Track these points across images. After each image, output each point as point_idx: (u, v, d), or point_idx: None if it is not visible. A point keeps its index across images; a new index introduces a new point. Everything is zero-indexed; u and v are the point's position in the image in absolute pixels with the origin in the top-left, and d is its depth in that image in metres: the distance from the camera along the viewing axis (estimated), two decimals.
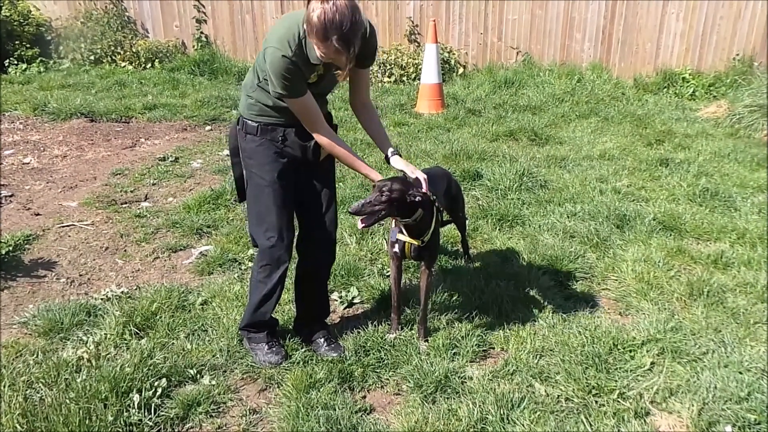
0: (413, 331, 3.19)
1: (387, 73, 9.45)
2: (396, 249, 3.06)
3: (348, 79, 2.78)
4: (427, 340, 3.12)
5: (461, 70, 9.62)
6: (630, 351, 3.03)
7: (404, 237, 2.99)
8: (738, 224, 4.46)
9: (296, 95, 2.58)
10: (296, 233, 3.04)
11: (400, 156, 2.94)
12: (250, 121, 2.79)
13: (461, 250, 4.06)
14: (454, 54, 9.56)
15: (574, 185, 5.25)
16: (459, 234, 3.99)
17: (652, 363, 2.95)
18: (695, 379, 2.83)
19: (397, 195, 2.73)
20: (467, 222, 4.50)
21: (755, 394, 2.66)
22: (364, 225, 2.75)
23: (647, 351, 3.02)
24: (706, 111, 7.74)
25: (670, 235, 4.35)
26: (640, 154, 6.16)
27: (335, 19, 2.31)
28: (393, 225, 3.10)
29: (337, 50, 2.37)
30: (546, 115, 7.63)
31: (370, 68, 2.91)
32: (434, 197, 3.03)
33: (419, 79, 8.39)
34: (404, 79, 9.41)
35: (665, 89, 8.72)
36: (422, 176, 2.86)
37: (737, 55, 8.69)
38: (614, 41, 9.09)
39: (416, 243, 2.99)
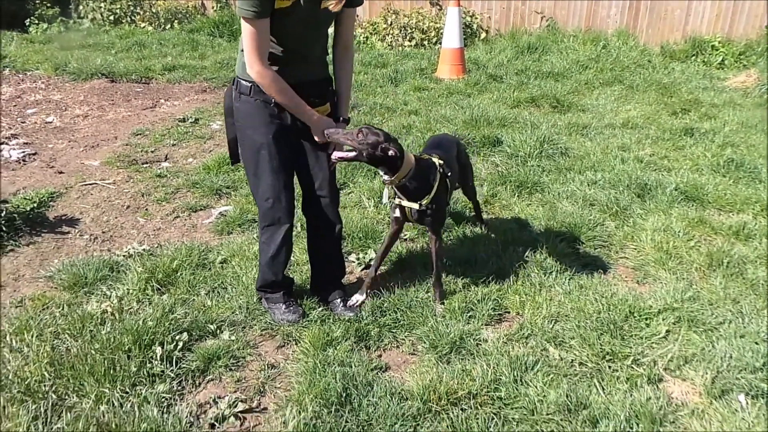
0: (429, 294, 3.22)
1: (408, 37, 9.33)
2: (397, 213, 3.07)
3: (335, 24, 2.78)
4: (443, 303, 3.15)
5: (483, 34, 9.47)
6: (646, 319, 3.03)
7: (404, 201, 2.97)
8: (762, 196, 4.39)
9: (256, 13, 2.42)
10: (299, 194, 3.03)
11: (345, 126, 2.90)
12: (243, 81, 2.71)
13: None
14: (476, 18, 9.40)
15: (595, 153, 5.19)
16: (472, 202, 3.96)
17: (668, 331, 2.95)
18: (710, 347, 2.83)
19: (372, 141, 2.72)
20: (484, 189, 4.50)
21: None
22: (334, 159, 2.76)
23: (663, 319, 3.02)
24: (735, 80, 7.56)
25: (692, 205, 4.30)
26: (665, 123, 6.05)
27: None
28: (385, 190, 3.07)
29: None
30: (569, 81, 7.51)
31: (356, 10, 2.83)
32: (441, 162, 3.02)
33: (440, 44, 8.28)
34: (425, 43, 9.29)
35: (693, 57, 8.52)
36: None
37: None
38: (642, 7, 8.87)
39: (414, 206, 2.96)
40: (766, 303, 3.18)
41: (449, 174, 3.09)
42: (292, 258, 3.20)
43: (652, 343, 2.87)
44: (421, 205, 2.95)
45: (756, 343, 2.83)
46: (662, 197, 4.34)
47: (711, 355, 2.78)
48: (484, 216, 4.09)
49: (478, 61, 8.29)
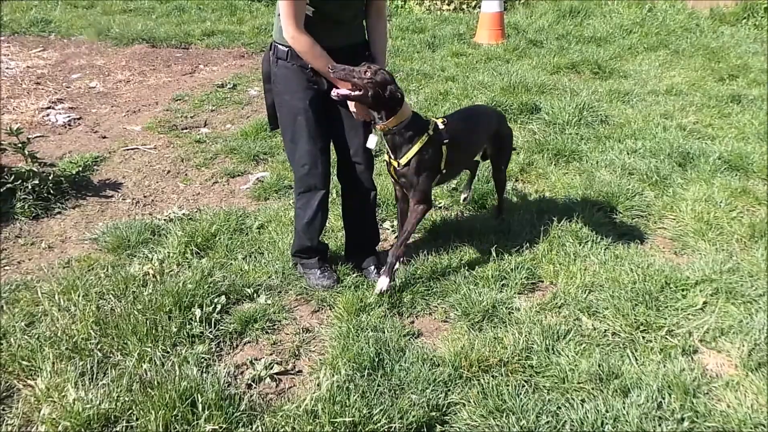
0: (462, 262, 3.23)
1: (446, 1, 9.16)
2: (389, 170, 3.00)
3: None
4: (390, 279, 2.92)
5: None
6: (683, 290, 2.99)
7: (387, 155, 2.90)
8: None
9: None
10: (334, 161, 3.05)
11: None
12: (281, 46, 2.74)
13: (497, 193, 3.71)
14: None
15: (636, 121, 5.07)
16: (498, 186, 3.64)
17: (705, 303, 2.91)
18: (748, 320, 2.78)
19: (381, 80, 2.63)
20: (521, 157, 4.44)
21: None
22: (337, 95, 2.65)
23: (700, 291, 2.97)
24: None
25: (736, 175, 4.18)
26: (711, 89, 5.85)
27: None
28: (372, 134, 2.93)
29: None
30: (611, 47, 7.30)
31: None
32: (442, 125, 2.88)
33: (479, 8, 8.11)
34: (464, 7, 9.11)
35: (744, 20, 8.16)
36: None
37: None
38: None
39: (394, 163, 2.87)
40: None
41: (446, 141, 2.89)
42: (327, 224, 3.23)
43: (688, 314, 2.84)
44: (399, 164, 2.85)
45: None
46: (705, 166, 4.23)
47: (749, 327, 2.74)
48: (518, 188, 4.04)
49: (517, 26, 8.11)
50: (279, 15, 2.69)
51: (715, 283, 3.02)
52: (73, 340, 2.59)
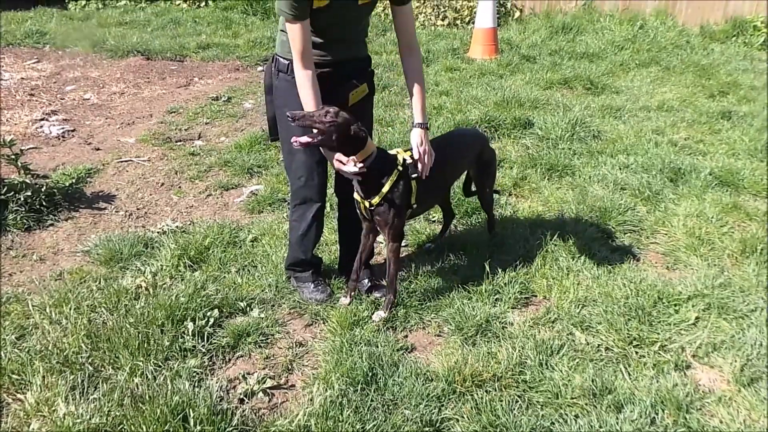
0: (456, 276, 3.23)
1: (440, 16, 9.24)
2: (357, 209, 2.90)
3: (393, 22, 2.77)
4: (387, 311, 2.92)
5: (517, 14, 9.32)
6: (675, 305, 3.00)
7: (357, 196, 2.80)
8: None
9: (295, 16, 2.47)
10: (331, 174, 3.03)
11: (426, 131, 2.79)
12: (282, 59, 2.75)
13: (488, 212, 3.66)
14: None
15: (628, 136, 5.11)
16: (491, 206, 3.59)
17: (697, 318, 2.92)
18: (740, 335, 2.79)
19: (343, 122, 2.51)
20: (514, 172, 4.47)
21: None
22: (299, 145, 2.51)
23: (693, 306, 2.99)
24: None
25: (727, 190, 4.21)
26: (701, 105, 5.91)
27: None
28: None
29: None
30: (604, 63, 7.37)
31: (410, 6, 2.76)
32: (408, 160, 2.76)
33: (473, 23, 8.18)
34: (458, 22, 9.18)
35: (734, 38, 8.27)
36: (427, 161, 2.74)
37: None
38: None
39: (365, 203, 2.77)
40: None
41: (414, 175, 2.78)
42: (321, 238, 3.23)
43: (681, 329, 2.85)
44: (371, 204, 2.77)
45: None
46: (696, 182, 4.26)
47: (741, 342, 2.75)
48: (511, 202, 4.05)
49: (511, 42, 8.18)
50: (282, 30, 2.71)
51: (707, 299, 3.03)
52: (64, 353, 2.58)
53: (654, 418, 2.32)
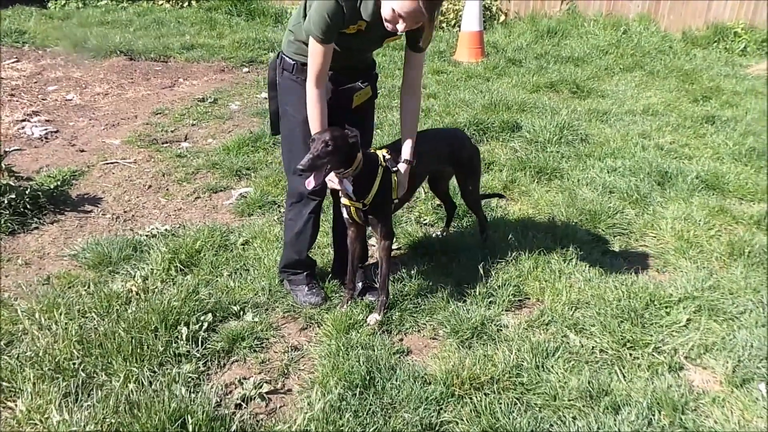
0: (449, 278, 3.24)
1: None
2: (345, 214, 2.91)
3: (404, 63, 2.84)
4: (382, 314, 2.93)
5: (502, 17, 9.38)
6: (666, 307, 3.03)
7: (345, 200, 2.82)
8: None
9: (323, 40, 2.50)
10: None
11: (410, 166, 2.86)
12: (288, 58, 2.78)
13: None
14: (495, 1, 9.30)
15: (615, 140, 5.16)
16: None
17: (689, 320, 2.95)
18: (731, 337, 2.83)
19: (341, 141, 2.56)
20: (503, 174, 4.48)
21: None
22: (315, 185, 2.57)
23: (684, 308, 3.02)
24: (757, 68, 7.46)
25: (713, 194, 4.28)
26: (686, 110, 6.00)
27: None
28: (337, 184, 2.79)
29: (419, 12, 2.32)
30: (589, 67, 7.44)
31: (425, 54, 2.83)
32: (387, 155, 2.83)
33: (459, 27, 8.21)
34: (443, 25, 9.21)
35: (715, 44, 8.41)
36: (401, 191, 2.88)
37: None
38: None
39: (358, 205, 2.80)
40: None
41: (394, 169, 2.84)
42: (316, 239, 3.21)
43: (673, 331, 2.88)
44: (363, 204, 2.79)
45: None
46: (683, 185, 4.32)
47: (732, 344, 2.79)
48: (501, 205, 4.06)
49: (497, 45, 8.22)
50: (290, 30, 2.76)
51: (698, 301, 3.07)
52: (56, 360, 2.53)
53: (651, 419, 2.34)
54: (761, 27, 8.40)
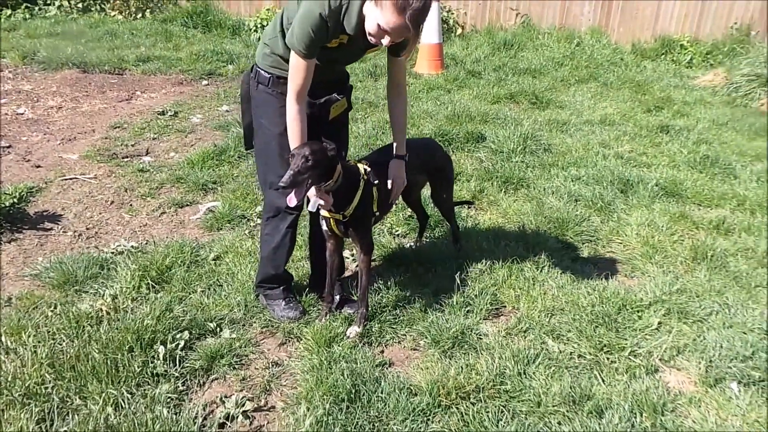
0: (427, 288, 3.24)
1: None
2: (324, 226, 2.89)
3: (387, 66, 2.85)
4: (362, 326, 2.92)
5: (460, 30, 9.53)
6: (638, 311, 3.11)
7: (325, 212, 2.80)
8: (738, 191, 4.55)
9: (306, 55, 2.48)
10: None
11: (404, 162, 2.92)
12: (263, 71, 2.74)
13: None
14: (452, 14, 9.45)
15: (577, 149, 5.29)
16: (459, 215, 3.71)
17: (659, 323, 3.04)
18: (701, 338, 2.93)
19: (320, 155, 2.54)
20: (471, 184, 4.54)
21: (759, 353, 2.77)
22: (298, 200, 2.57)
23: (654, 311, 3.11)
24: (704, 79, 7.79)
25: (672, 200, 4.43)
26: (641, 120, 6.20)
27: None
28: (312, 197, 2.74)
29: (405, 27, 2.33)
30: (546, 78, 7.62)
31: (405, 58, 2.83)
32: (367, 168, 2.84)
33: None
34: None
35: (663, 56, 8.74)
36: (396, 190, 2.92)
37: (735, 23, 8.70)
38: (614, 5, 9.05)
39: (338, 217, 2.79)
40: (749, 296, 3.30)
41: (376, 182, 2.86)
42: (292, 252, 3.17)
43: (646, 334, 2.96)
44: (344, 216, 2.79)
45: (744, 333, 2.95)
46: (644, 193, 4.46)
47: (702, 345, 2.88)
48: (471, 214, 4.11)
49: (455, 57, 8.33)
50: (265, 43, 2.72)
51: (666, 304, 3.16)
52: (26, 384, 2.41)
53: (633, 422, 2.39)
54: (705, 40, 8.79)
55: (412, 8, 2.28)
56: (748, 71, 7.25)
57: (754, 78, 7.08)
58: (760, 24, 8.60)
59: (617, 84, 7.49)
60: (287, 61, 2.62)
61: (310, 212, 2.97)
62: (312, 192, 2.67)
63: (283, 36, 2.61)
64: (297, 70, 2.52)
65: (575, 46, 8.77)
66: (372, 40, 2.45)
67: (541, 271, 3.46)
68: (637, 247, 3.80)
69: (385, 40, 2.41)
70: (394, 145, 2.94)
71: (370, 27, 2.40)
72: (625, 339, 2.90)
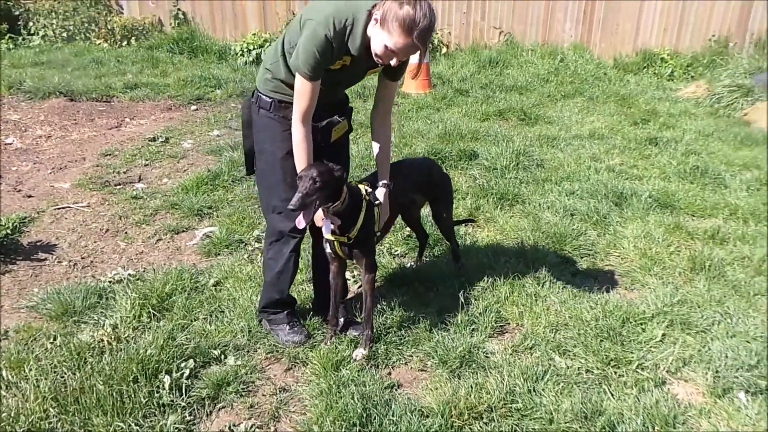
0: (430, 308, 3.24)
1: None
2: (328, 249, 2.89)
3: (377, 89, 2.85)
4: (368, 348, 2.91)
5: (444, 49, 9.62)
6: (641, 324, 3.13)
7: (329, 234, 2.79)
8: (729, 201, 4.61)
9: (311, 77, 2.50)
10: None
11: (388, 190, 2.93)
12: (264, 96, 2.75)
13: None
14: (437, 33, 9.54)
15: (569, 164, 5.34)
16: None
17: (663, 335, 3.05)
18: (706, 349, 2.94)
19: (328, 176, 2.55)
20: (467, 201, 4.56)
21: (764, 362, 2.79)
22: (306, 222, 2.58)
23: (657, 323, 3.13)
24: (686, 91, 7.91)
25: (666, 211, 4.47)
26: (628, 133, 6.28)
27: (426, 16, 2.32)
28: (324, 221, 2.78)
29: (412, 46, 2.36)
30: (532, 95, 7.70)
31: (398, 82, 2.89)
32: (368, 189, 2.85)
33: None
34: None
35: (645, 69, 8.86)
36: (383, 215, 2.94)
37: (713, 35, 8.87)
38: (595, 21, 9.19)
39: (343, 239, 2.79)
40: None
41: (377, 202, 2.88)
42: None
43: (651, 347, 2.97)
44: (348, 238, 2.79)
45: (747, 341, 2.97)
46: (638, 205, 4.50)
47: (708, 356, 2.90)
48: (469, 232, 4.12)
49: (442, 76, 8.41)
50: (266, 68, 2.72)
51: (669, 316, 3.18)
52: (29, 420, 2.36)
53: None
54: (685, 53, 8.95)
55: (419, 28, 2.31)
56: (729, 82, 7.38)
57: (735, 89, 7.20)
58: (736, 36, 8.77)
59: (602, 98, 7.58)
60: (288, 85, 2.64)
61: (313, 235, 2.97)
62: (319, 215, 2.67)
63: (285, 60, 2.62)
64: (302, 93, 2.53)
65: (559, 62, 8.88)
66: (379, 61, 2.47)
67: (542, 286, 3.47)
68: (635, 259, 3.83)
69: (393, 61, 2.43)
70: (381, 173, 2.94)
71: (377, 48, 2.42)
72: (631, 352, 2.91)
